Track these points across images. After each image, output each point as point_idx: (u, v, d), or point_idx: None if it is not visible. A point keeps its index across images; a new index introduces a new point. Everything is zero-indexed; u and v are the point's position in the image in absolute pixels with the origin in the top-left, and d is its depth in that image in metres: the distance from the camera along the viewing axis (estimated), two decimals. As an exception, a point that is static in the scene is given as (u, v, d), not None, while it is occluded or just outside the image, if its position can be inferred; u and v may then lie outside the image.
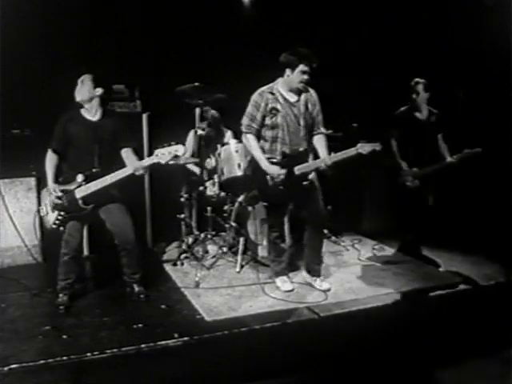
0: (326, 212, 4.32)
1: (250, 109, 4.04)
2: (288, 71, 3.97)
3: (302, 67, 3.90)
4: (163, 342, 3.33)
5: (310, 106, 4.08)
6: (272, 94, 4.02)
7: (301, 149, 4.05)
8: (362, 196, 6.21)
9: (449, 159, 4.72)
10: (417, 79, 4.81)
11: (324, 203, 4.21)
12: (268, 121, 4.01)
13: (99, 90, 3.88)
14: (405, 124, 4.82)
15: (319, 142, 4.12)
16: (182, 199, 5.06)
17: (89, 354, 3.17)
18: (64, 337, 3.42)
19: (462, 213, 5.62)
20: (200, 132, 4.71)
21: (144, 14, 5.14)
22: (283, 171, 3.93)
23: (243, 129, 4.07)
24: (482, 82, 5.50)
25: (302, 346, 3.53)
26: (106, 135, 3.87)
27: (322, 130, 4.17)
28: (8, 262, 4.84)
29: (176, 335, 3.40)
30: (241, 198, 4.98)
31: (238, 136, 5.15)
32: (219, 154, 4.77)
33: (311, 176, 4.10)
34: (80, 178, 3.75)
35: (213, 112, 5.18)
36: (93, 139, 3.83)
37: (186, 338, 3.38)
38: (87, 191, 3.75)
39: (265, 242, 4.90)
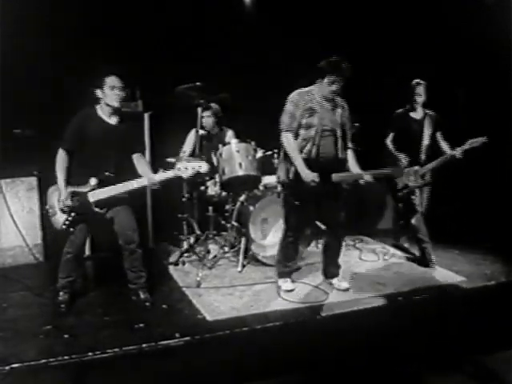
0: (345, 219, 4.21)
1: (289, 107, 3.94)
2: (321, 78, 3.92)
3: (330, 77, 3.84)
4: (164, 342, 3.33)
5: (345, 119, 4.05)
6: (310, 94, 3.97)
7: (335, 155, 3.98)
8: (363, 195, 6.22)
9: (450, 152, 4.74)
10: (418, 80, 4.80)
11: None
12: (304, 120, 3.92)
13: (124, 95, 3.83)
14: (402, 124, 4.86)
15: (350, 157, 4.09)
16: (184, 199, 5.06)
17: (90, 354, 3.17)
18: (65, 336, 3.42)
19: (462, 210, 5.61)
20: (201, 132, 4.72)
21: (146, 13, 5.13)
22: (316, 176, 3.85)
23: (284, 127, 3.94)
24: (482, 81, 5.50)
25: (302, 346, 3.53)
26: (122, 139, 3.80)
27: (349, 145, 4.13)
28: (9, 261, 4.84)
29: (177, 335, 3.40)
30: (242, 198, 4.99)
31: (239, 135, 5.19)
32: (220, 154, 4.77)
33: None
34: (93, 181, 3.67)
35: (214, 105, 5.18)
36: (110, 143, 3.74)
37: (187, 338, 3.38)
38: (100, 196, 3.68)
39: (266, 242, 4.91)
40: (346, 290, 4.24)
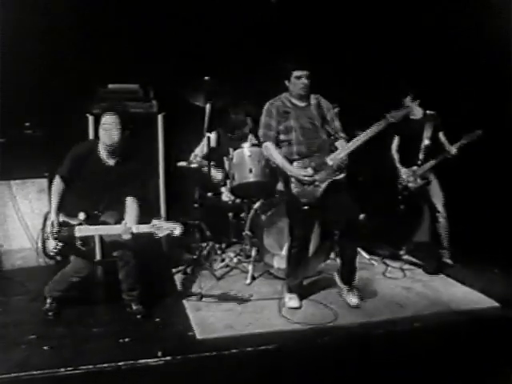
0: (359, 216, 3.98)
1: (263, 119, 3.97)
2: (287, 82, 3.92)
3: (294, 74, 3.84)
4: (143, 361, 3.09)
5: (324, 109, 3.95)
6: (281, 100, 3.97)
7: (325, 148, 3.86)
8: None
9: (447, 149, 4.72)
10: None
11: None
12: (281, 126, 3.89)
13: (127, 132, 3.76)
14: (404, 127, 4.74)
15: (341, 146, 3.90)
16: (196, 205, 4.83)
17: (62, 370, 2.98)
18: (45, 348, 3.26)
19: (489, 223, 5.08)
20: (208, 135, 4.51)
21: (159, 13, 4.99)
22: (308, 171, 3.74)
23: (261, 139, 3.98)
24: (482, 81, 5.18)
25: (298, 373, 3.21)
26: (119, 181, 3.76)
27: (342, 135, 3.96)
28: (19, 263, 4.78)
29: (159, 353, 3.15)
30: (256, 205, 4.70)
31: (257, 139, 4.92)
32: (231, 158, 4.50)
33: (341, 177, 3.83)
34: (82, 216, 3.62)
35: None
36: (105, 184, 3.74)
37: (168, 358, 3.13)
38: (85, 233, 3.61)
39: (283, 253, 4.60)
40: (356, 306, 3.88)
